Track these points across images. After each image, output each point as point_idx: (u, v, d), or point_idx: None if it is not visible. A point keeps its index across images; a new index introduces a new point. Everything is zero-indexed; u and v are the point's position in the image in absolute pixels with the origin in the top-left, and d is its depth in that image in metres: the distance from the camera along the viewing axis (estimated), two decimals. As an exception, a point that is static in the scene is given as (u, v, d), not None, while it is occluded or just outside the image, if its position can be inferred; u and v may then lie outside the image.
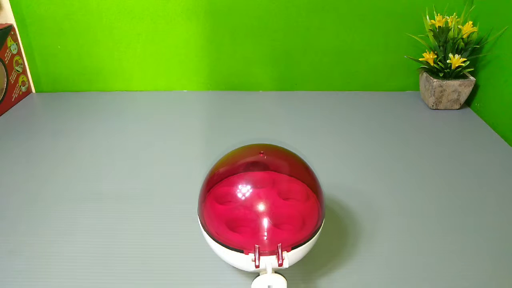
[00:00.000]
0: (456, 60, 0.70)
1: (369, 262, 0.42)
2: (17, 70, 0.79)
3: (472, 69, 0.72)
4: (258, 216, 0.34)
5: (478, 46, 0.73)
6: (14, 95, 0.78)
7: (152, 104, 0.78)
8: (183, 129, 0.69)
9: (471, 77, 0.73)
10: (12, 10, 0.76)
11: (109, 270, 0.41)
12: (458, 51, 0.72)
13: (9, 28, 0.76)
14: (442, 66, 0.72)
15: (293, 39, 0.79)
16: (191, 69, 0.82)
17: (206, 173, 0.40)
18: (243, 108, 0.77)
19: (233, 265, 0.37)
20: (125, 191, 0.52)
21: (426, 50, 0.74)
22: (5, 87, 0.75)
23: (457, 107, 0.75)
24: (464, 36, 0.70)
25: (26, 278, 0.40)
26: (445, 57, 0.72)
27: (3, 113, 0.74)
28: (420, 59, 0.74)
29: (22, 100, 0.81)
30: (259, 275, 0.34)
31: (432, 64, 0.73)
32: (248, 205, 0.35)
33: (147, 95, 0.82)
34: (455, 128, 0.70)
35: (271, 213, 0.35)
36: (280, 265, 0.34)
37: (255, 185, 0.36)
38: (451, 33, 0.70)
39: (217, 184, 0.37)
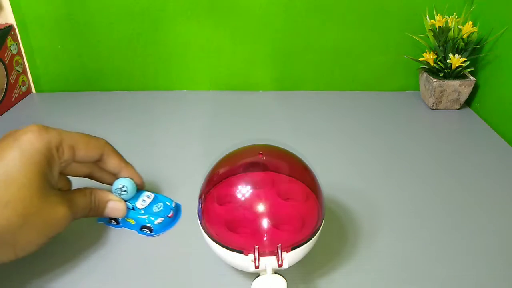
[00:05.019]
0: (456, 60, 0.70)
1: (369, 262, 0.42)
2: (17, 70, 0.79)
3: (472, 69, 0.72)
4: (257, 216, 0.34)
5: (478, 46, 0.73)
6: (14, 95, 0.78)
7: (152, 104, 0.78)
8: (183, 129, 0.69)
9: (471, 77, 0.73)
10: (12, 10, 0.76)
11: (108, 270, 0.41)
12: (458, 51, 0.72)
13: (9, 28, 0.76)
14: (442, 66, 0.72)
15: (293, 39, 0.79)
16: (191, 69, 0.82)
17: (205, 174, 0.40)
18: (243, 108, 0.77)
19: (233, 266, 0.37)
20: (125, 191, 0.52)
21: (426, 50, 0.74)
22: (5, 87, 0.75)
23: (457, 107, 0.75)
24: (464, 36, 0.70)
25: (25, 278, 0.40)
26: (445, 57, 0.72)
27: (3, 113, 0.75)
28: (420, 59, 0.74)
29: (22, 100, 0.81)
30: (258, 275, 0.34)
31: (432, 64, 0.73)
32: (248, 205, 0.35)
33: (147, 95, 0.82)
34: (455, 128, 0.70)
35: (271, 213, 0.35)
36: (280, 265, 0.34)
37: (254, 185, 0.36)
38: (451, 33, 0.70)
39: (216, 185, 0.37)
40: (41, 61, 0.81)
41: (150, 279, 0.40)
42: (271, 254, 0.34)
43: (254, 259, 0.34)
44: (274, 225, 0.34)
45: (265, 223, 0.34)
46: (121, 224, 0.46)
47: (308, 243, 0.36)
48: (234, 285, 0.39)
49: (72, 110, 0.76)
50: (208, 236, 0.36)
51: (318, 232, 0.37)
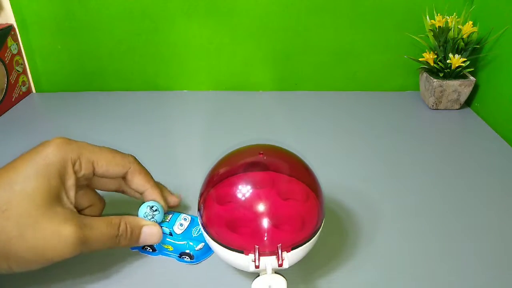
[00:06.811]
0: (456, 60, 0.70)
1: (369, 262, 0.42)
2: (18, 70, 0.79)
3: (472, 69, 0.72)
4: (257, 216, 0.34)
5: (478, 46, 0.73)
6: (15, 95, 0.78)
7: (152, 104, 0.78)
8: (183, 129, 0.69)
9: (471, 77, 0.73)
10: (12, 10, 0.76)
11: (107, 270, 0.41)
12: (458, 51, 0.72)
13: (9, 28, 0.76)
14: (442, 66, 0.72)
15: (293, 39, 0.79)
16: (191, 69, 0.82)
17: (205, 174, 0.40)
18: (243, 108, 0.77)
19: (233, 266, 0.37)
20: (125, 191, 0.52)
21: (426, 50, 0.74)
22: (5, 87, 0.75)
23: (457, 107, 0.75)
24: (464, 36, 0.70)
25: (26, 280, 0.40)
26: (445, 57, 0.72)
27: (3, 113, 0.75)
28: (420, 59, 0.74)
29: (22, 100, 0.81)
30: (259, 275, 0.34)
31: (432, 64, 0.73)
32: (248, 205, 0.35)
33: (147, 95, 0.82)
34: (455, 128, 0.70)
35: (271, 213, 0.35)
36: (280, 265, 0.34)
37: (254, 185, 0.36)
38: (451, 33, 0.70)
39: (216, 184, 0.37)
40: (41, 61, 0.81)
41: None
42: (271, 254, 0.34)
43: (255, 259, 0.34)
44: (275, 225, 0.34)
45: (265, 223, 0.34)
46: (157, 251, 0.42)
47: (308, 243, 0.36)
48: (234, 284, 0.39)
49: (72, 110, 0.76)
50: (209, 236, 0.36)
51: (318, 232, 0.37)
